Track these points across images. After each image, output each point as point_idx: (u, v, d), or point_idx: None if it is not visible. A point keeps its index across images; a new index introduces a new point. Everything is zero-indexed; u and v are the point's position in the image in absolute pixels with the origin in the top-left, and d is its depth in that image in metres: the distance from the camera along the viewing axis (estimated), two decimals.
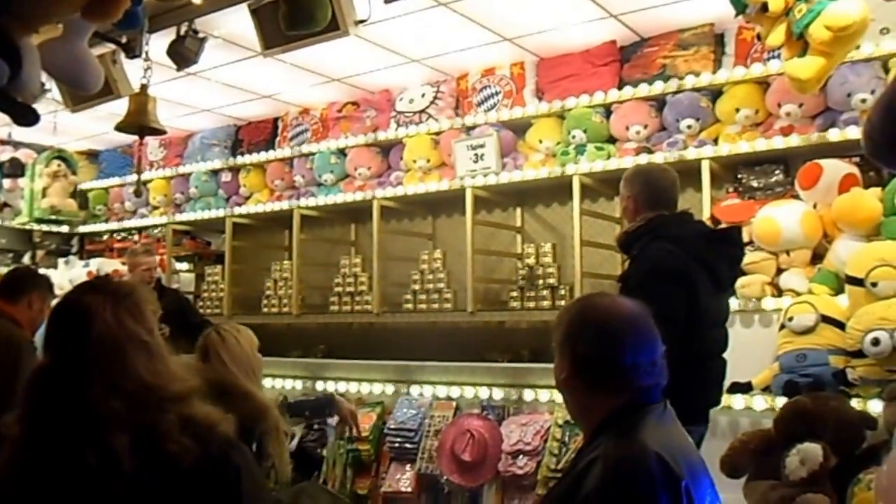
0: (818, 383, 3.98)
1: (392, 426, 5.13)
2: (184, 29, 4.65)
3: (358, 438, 4.98)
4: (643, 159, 5.11)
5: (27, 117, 2.83)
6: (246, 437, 2.76)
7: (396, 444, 5.08)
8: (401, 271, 6.32)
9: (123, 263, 7.58)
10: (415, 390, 5.31)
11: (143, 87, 4.85)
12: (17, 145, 7.98)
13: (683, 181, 5.16)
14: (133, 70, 4.95)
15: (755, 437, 3.80)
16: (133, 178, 7.77)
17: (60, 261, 8.08)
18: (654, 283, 3.08)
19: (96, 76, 3.19)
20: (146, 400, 1.63)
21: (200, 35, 4.65)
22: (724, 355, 3.54)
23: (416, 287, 6.06)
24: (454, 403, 5.10)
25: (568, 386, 1.99)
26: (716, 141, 5.00)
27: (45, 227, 8.18)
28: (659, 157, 5.06)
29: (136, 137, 7.57)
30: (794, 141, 4.67)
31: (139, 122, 4.82)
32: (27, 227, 8.06)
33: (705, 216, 4.77)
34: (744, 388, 4.24)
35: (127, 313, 1.72)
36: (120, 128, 4.88)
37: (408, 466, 5.04)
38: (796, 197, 4.62)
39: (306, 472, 5.51)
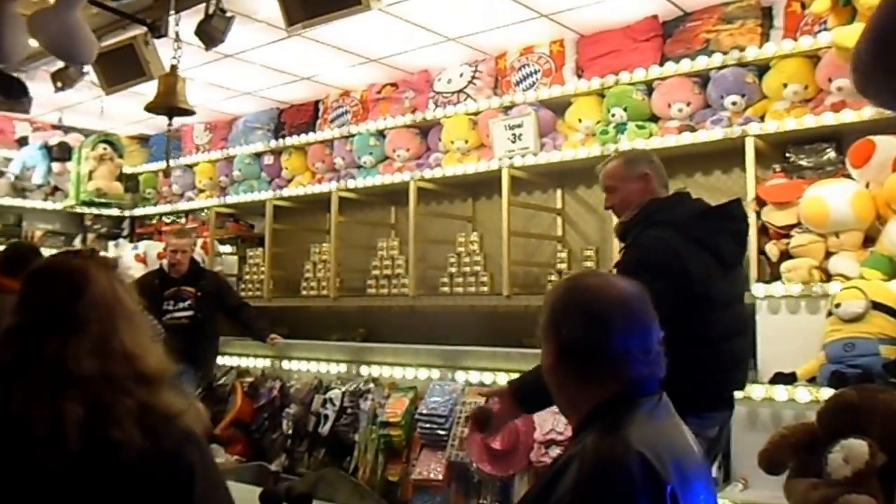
0: (867, 374, 3.73)
1: (423, 412, 5.02)
2: (211, 8, 4.58)
3: None
4: (686, 138, 4.91)
5: (14, 90, 2.77)
6: None
7: (427, 431, 4.97)
8: (439, 254, 6.21)
9: None
10: (447, 375, 5.20)
11: (173, 68, 4.81)
12: (66, 130, 8.10)
13: (728, 160, 5.05)
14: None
15: (797, 432, 3.55)
16: (181, 161, 7.89)
17: (111, 244, 8.18)
18: (642, 275, 2.88)
19: (89, 48, 3.12)
20: (119, 370, 1.58)
21: (228, 14, 4.57)
22: (745, 335, 3.35)
23: (453, 270, 5.94)
24: (487, 390, 4.96)
25: (553, 374, 1.83)
26: (762, 118, 4.75)
27: (94, 211, 8.29)
28: (703, 135, 4.86)
29: (184, 120, 7.75)
30: (846, 117, 4.38)
31: (168, 103, 4.79)
32: (77, 210, 8.16)
33: (750, 197, 4.56)
34: (787, 378, 4.03)
35: (119, 282, 1.73)
36: (149, 108, 4.86)
37: (439, 453, 4.92)
38: (848, 176, 4.36)
39: (338, 456, 5.50)
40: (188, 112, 4.90)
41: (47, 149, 7.86)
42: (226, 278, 6.92)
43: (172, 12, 4.56)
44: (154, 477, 1.53)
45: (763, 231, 4.53)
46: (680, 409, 2.88)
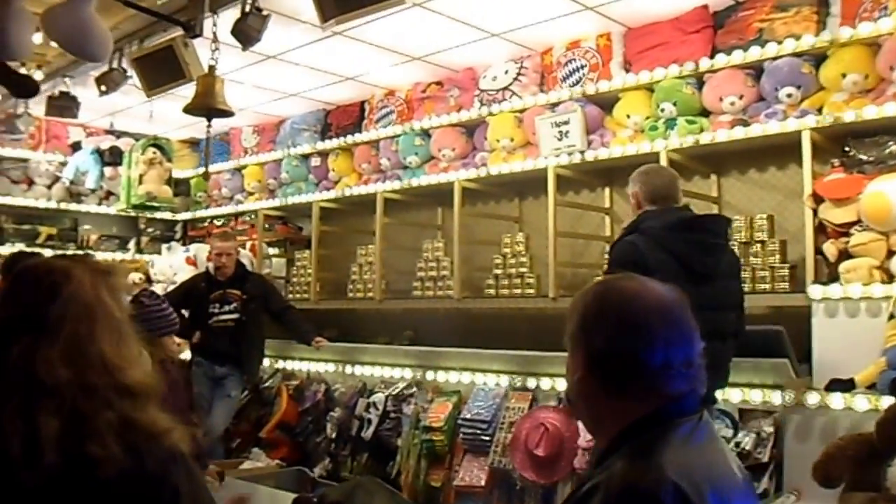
0: None
1: (466, 417, 4.90)
2: (247, 6, 4.53)
3: None
4: (739, 133, 4.70)
5: (26, 88, 2.73)
6: None
7: (470, 436, 4.85)
8: (485, 255, 6.08)
9: None
10: (491, 380, 5.07)
11: (211, 69, 4.78)
12: (118, 134, 8.19)
13: (783, 155, 4.82)
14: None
15: (854, 443, 3.33)
16: (229, 164, 7.92)
17: (163, 246, 8.24)
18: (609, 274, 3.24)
19: (103, 45, 3.06)
20: (97, 380, 1.47)
21: (264, 13, 4.52)
22: (724, 341, 3.39)
23: (499, 271, 5.80)
24: (530, 395, 4.83)
25: (581, 389, 1.61)
26: (819, 111, 4.50)
27: (147, 214, 8.38)
28: (756, 130, 4.64)
29: (232, 124, 7.78)
30: None
31: (206, 104, 4.76)
32: (131, 214, 8.25)
33: (806, 192, 4.34)
34: (845, 385, 3.80)
35: (105, 286, 1.60)
36: (188, 110, 4.83)
37: (481, 459, 4.80)
38: None
39: (381, 461, 5.41)
40: (227, 113, 4.87)
41: (99, 153, 7.95)
42: (271, 281, 6.90)
43: (208, 12, 4.52)
44: (135, 499, 1.44)
45: (820, 229, 4.30)
46: None
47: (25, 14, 2.76)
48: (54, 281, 1.54)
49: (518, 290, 5.66)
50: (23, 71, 5.70)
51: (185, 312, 5.97)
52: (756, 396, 3.97)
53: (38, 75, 5.85)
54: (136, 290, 7.56)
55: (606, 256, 3.72)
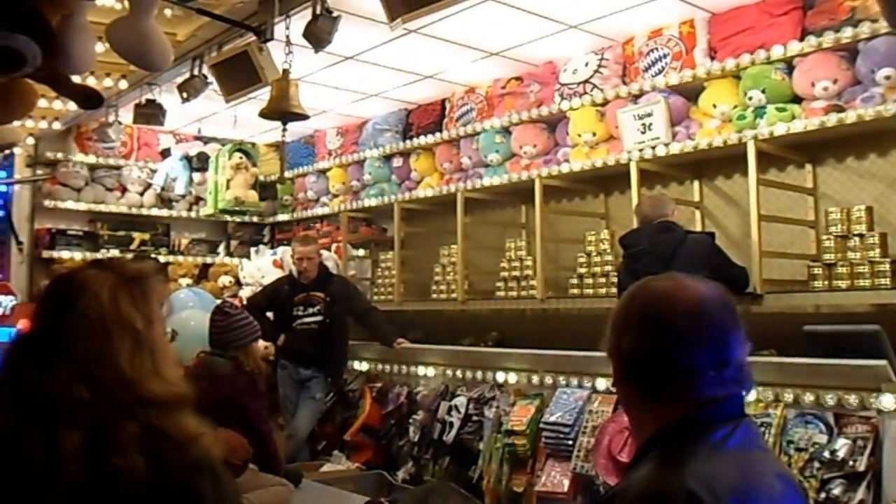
0: None
1: (548, 420, 4.76)
2: (318, 9, 4.50)
3: None
4: (833, 119, 4.43)
5: (91, 101, 2.75)
6: None
7: (552, 440, 4.70)
8: (570, 254, 5.93)
9: None
10: (574, 382, 4.91)
11: (285, 72, 4.78)
12: (206, 140, 8.35)
13: (884, 142, 4.59)
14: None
15: None
16: (314, 167, 7.97)
17: (252, 250, 8.34)
18: None
19: (163, 54, 3.08)
20: (116, 395, 1.43)
21: (334, 14, 4.49)
22: None
23: (583, 270, 5.64)
24: (615, 397, 4.65)
25: (620, 395, 1.61)
26: None
27: (236, 219, 8.52)
28: (852, 115, 4.37)
29: (317, 127, 7.82)
30: None
31: (281, 108, 4.77)
32: (220, 218, 8.40)
33: None
34: None
35: (127, 295, 1.54)
36: (263, 114, 4.85)
37: (564, 464, 4.64)
38: None
39: (463, 464, 5.31)
40: (302, 116, 4.86)
41: (188, 159, 8.11)
42: (354, 283, 6.89)
43: (279, 16, 4.52)
44: None
45: None
46: None
47: (88, 28, 2.79)
48: (67, 297, 1.51)
49: (602, 290, 5.49)
50: (107, 81, 5.86)
51: (270, 315, 6.02)
52: (852, 400, 3.71)
53: (122, 84, 5.99)
54: (226, 293, 7.76)
55: None
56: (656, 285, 1.59)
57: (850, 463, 3.53)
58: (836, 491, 3.51)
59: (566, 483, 4.59)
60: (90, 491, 1.36)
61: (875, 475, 3.55)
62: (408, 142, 7.12)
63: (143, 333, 1.52)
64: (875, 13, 4.36)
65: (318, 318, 6.01)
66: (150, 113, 6.31)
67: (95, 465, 1.37)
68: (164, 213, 8.34)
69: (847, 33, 4.44)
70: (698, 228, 5.50)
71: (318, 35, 4.46)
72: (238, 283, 8.00)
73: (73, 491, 1.36)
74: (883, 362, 3.60)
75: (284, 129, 5.04)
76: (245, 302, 6.59)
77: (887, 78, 4.33)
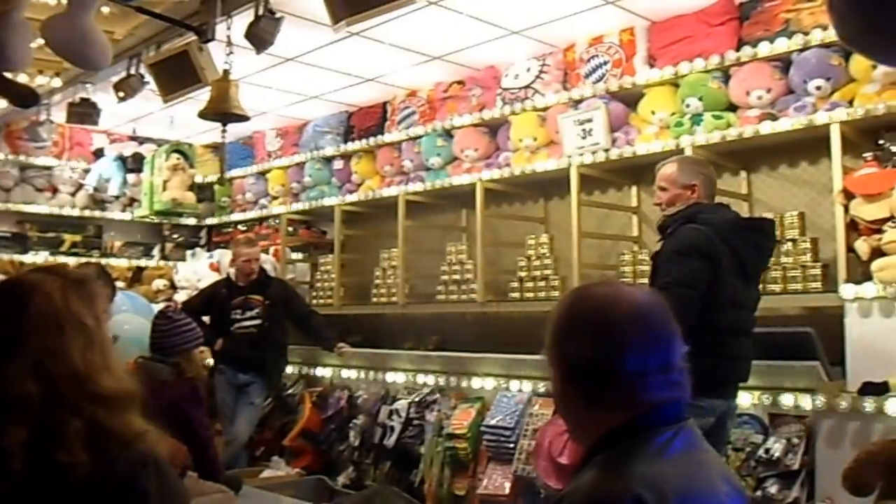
0: None
1: (489, 424, 4.79)
2: (260, 10, 4.46)
3: None
4: (766, 128, 4.54)
5: (26, 100, 2.68)
6: None
7: (493, 444, 4.74)
8: (510, 258, 5.96)
9: None
10: (514, 385, 4.95)
11: (225, 73, 4.72)
12: (141, 140, 8.19)
13: (814, 150, 4.66)
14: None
15: (886, 449, 3.16)
16: (254, 168, 7.89)
17: (188, 253, 8.22)
18: (680, 257, 3.36)
19: (102, 53, 3.01)
20: (66, 391, 1.48)
21: (277, 15, 4.45)
22: (749, 338, 3.53)
23: (523, 274, 5.69)
24: None
25: (561, 399, 1.60)
26: (851, 103, 4.34)
27: (171, 220, 8.37)
28: (785, 124, 4.48)
29: (256, 128, 7.73)
30: None
31: (221, 109, 4.71)
32: (155, 220, 8.25)
33: (836, 188, 4.17)
34: (878, 388, 3.64)
35: (76, 296, 1.61)
36: (202, 115, 4.78)
37: (505, 467, 4.69)
38: None
39: (404, 469, 5.31)
40: (242, 118, 4.80)
41: (122, 160, 7.95)
42: (293, 286, 6.83)
43: (221, 16, 4.46)
44: (103, 502, 1.45)
45: (852, 226, 4.13)
46: None
47: (24, 25, 2.71)
48: (21, 297, 1.56)
49: (543, 293, 5.54)
50: (40, 79, 5.71)
51: (206, 319, 5.92)
52: (786, 401, 3.82)
53: (56, 82, 5.85)
54: (160, 298, 7.62)
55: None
56: (598, 291, 1.62)
57: (785, 462, 3.64)
58: (772, 489, 3.62)
59: (507, 486, 4.65)
60: (34, 486, 1.40)
61: (809, 473, 3.67)
62: (349, 144, 7.07)
63: (93, 331, 1.58)
64: (808, 25, 4.49)
65: (257, 321, 5.94)
66: (84, 112, 6.17)
67: (39, 461, 1.41)
68: (97, 214, 8.14)
69: (781, 44, 4.56)
70: (635, 234, 5.60)
71: (261, 36, 4.42)
72: (173, 287, 7.86)
73: (17, 486, 1.40)
74: (815, 363, 3.72)
75: (224, 130, 4.98)
76: (181, 306, 6.47)
77: (818, 88, 4.44)
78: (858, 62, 4.31)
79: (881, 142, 4.28)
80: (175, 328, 4.08)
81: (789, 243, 4.51)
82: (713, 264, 3.33)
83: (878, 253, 3.96)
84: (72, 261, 7.43)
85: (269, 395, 6.14)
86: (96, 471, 1.42)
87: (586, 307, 1.57)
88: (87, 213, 8.07)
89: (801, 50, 4.48)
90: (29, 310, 1.52)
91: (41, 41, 3.25)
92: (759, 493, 3.72)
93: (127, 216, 8.25)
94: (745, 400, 3.93)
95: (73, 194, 8.05)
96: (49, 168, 7.97)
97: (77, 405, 1.46)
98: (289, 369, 6.44)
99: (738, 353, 3.45)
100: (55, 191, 8.00)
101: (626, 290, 1.61)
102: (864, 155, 4.31)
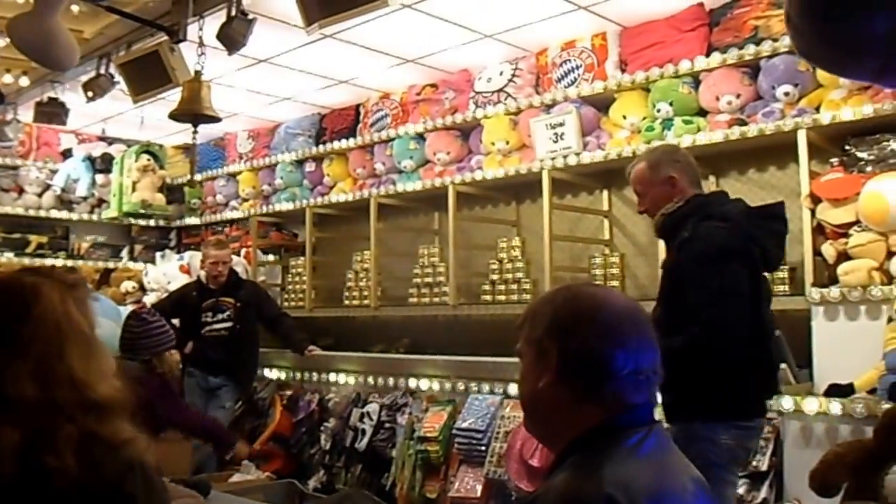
0: None
1: (461, 426, 4.79)
2: (233, 11, 4.44)
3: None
4: (735, 132, 4.59)
5: None
6: None
7: (465, 446, 4.74)
8: (482, 260, 5.98)
9: None
10: (486, 388, 4.96)
11: (197, 74, 4.70)
12: (111, 141, 8.11)
13: (782, 155, 4.72)
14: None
15: (853, 450, 3.21)
16: (224, 170, 7.84)
17: (157, 254, 8.14)
18: (716, 262, 2.96)
19: (69, 53, 2.98)
20: (63, 396, 1.49)
21: (250, 17, 4.44)
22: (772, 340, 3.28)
23: (495, 277, 5.71)
24: None
25: (547, 396, 1.54)
26: (818, 109, 4.40)
27: (141, 222, 8.29)
28: (754, 129, 4.53)
29: (227, 129, 7.69)
30: None
31: (192, 110, 4.69)
32: (124, 221, 8.17)
33: (803, 192, 4.23)
34: (844, 390, 3.70)
35: (73, 301, 1.61)
36: (173, 116, 4.75)
37: (477, 470, 4.69)
38: None
39: (376, 472, 5.30)
40: (213, 119, 4.79)
41: (91, 160, 7.87)
42: (265, 289, 6.79)
43: (192, 17, 4.44)
44: None
45: (819, 230, 4.19)
46: (725, 418, 2.81)
47: None
48: (24, 300, 1.55)
49: (514, 296, 5.56)
50: (7, 78, 5.65)
51: (175, 322, 5.86)
52: None
53: (23, 81, 5.78)
54: (129, 300, 7.54)
55: (667, 253, 3.32)
56: (594, 291, 1.63)
57: (754, 463, 3.67)
58: (741, 490, 3.64)
59: (479, 488, 4.65)
60: (23, 488, 1.41)
61: (777, 474, 3.71)
62: (321, 146, 7.04)
63: (90, 337, 1.60)
64: (776, 32, 4.54)
65: (228, 324, 5.89)
66: (52, 111, 6.11)
67: (29, 462, 1.42)
68: (64, 215, 8.04)
69: (750, 50, 4.61)
70: (606, 237, 5.64)
71: (233, 37, 4.42)
72: (142, 289, 7.79)
73: (7, 485, 1.40)
74: (783, 366, 3.75)
75: (195, 132, 4.94)
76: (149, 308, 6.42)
77: (786, 94, 4.50)
78: None
79: (847, 147, 4.34)
80: (148, 330, 4.05)
81: None
82: (749, 264, 3.02)
83: (844, 256, 4.03)
84: (37, 262, 7.34)
85: (241, 399, 6.10)
86: (83, 475, 1.43)
87: (588, 304, 1.56)
88: (53, 213, 7.97)
89: (770, 56, 4.54)
90: (32, 313, 1.53)
91: (6, 40, 3.20)
92: None
93: (95, 217, 8.15)
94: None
95: (39, 195, 7.94)
96: (15, 168, 7.87)
97: (71, 413, 1.47)
98: (270, 373, 6.39)
99: (770, 363, 3.18)
100: (21, 191, 7.89)
101: (614, 291, 1.65)
102: (831, 160, 4.38)
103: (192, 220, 8.42)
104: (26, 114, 6.64)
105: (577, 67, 5.41)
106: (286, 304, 6.99)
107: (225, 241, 6.60)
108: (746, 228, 3.06)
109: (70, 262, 7.89)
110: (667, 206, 3.19)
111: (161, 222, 8.48)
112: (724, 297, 2.89)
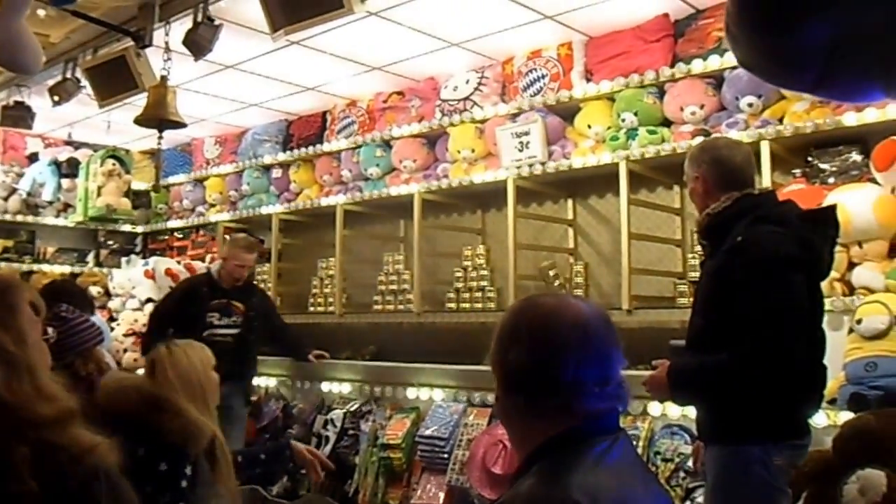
0: (890, 397, 3.41)
1: (424, 434, 4.79)
2: (199, 16, 4.43)
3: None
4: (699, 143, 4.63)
5: None
6: (178, 458, 2.49)
7: (427, 454, 4.74)
8: (447, 268, 5.99)
9: (179, 262, 7.52)
10: (449, 395, 4.96)
11: (163, 79, 4.68)
12: (77, 145, 8.04)
13: None
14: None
15: (811, 460, 3.21)
16: (191, 175, 7.79)
17: (123, 260, 8.08)
18: (779, 272, 2.68)
19: (34, 57, 2.94)
20: (3, 422, 1.37)
21: (216, 22, 4.42)
22: None
23: (460, 285, 5.72)
24: (489, 411, 4.72)
25: (500, 409, 1.64)
26: (781, 120, 4.45)
27: (107, 227, 8.22)
28: None
29: (194, 135, 7.65)
30: (869, 116, 4.06)
31: (158, 115, 4.67)
32: (90, 226, 8.09)
33: None
34: None
35: None
36: (139, 121, 4.72)
37: (439, 477, 4.69)
38: (874, 181, 4.07)
39: (339, 479, 5.26)
40: (179, 124, 4.76)
41: (57, 165, 7.79)
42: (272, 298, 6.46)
43: (158, 22, 4.42)
44: None
45: None
46: (781, 438, 2.68)
47: None
48: None
49: (479, 304, 5.57)
50: None
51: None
52: None
53: None
54: (95, 304, 7.45)
55: (706, 255, 3.10)
56: (542, 302, 1.64)
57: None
58: (700, 499, 3.66)
59: (441, 496, 4.65)
60: None
61: None
62: (288, 153, 7.02)
63: (15, 354, 1.44)
64: None
65: (235, 331, 5.47)
66: (18, 115, 6.06)
67: None
68: (30, 219, 7.92)
69: (714, 62, 4.66)
70: (570, 246, 5.66)
71: (199, 43, 4.40)
72: (107, 294, 7.72)
73: None
74: None
75: (160, 137, 4.91)
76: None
77: (750, 105, 4.55)
78: None
79: (810, 158, 4.41)
80: (71, 328, 3.81)
81: None
82: (808, 273, 2.77)
83: None
84: (2, 266, 7.25)
85: (248, 403, 5.82)
86: (47, 494, 1.35)
87: (530, 316, 1.58)
88: (19, 217, 7.86)
89: (734, 68, 4.58)
90: None
91: None
92: (687, 503, 3.78)
93: (61, 222, 8.05)
94: (675, 411, 3.99)
95: (5, 199, 7.83)
96: None
97: (18, 433, 1.38)
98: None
99: (823, 379, 2.90)
100: None
101: (571, 302, 1.62)
102: (794, 171, 4.45)
103: (158, 226, 8.35)
104: None
105: (543, 76, 5.44)
106: None
107: (255, 242, 6.05)
108: (802, 234, 2.80)
109: (35, 267, 7.78)
110: (713, 205, 2.95)
111: (127, 227, 8.40)
112: (784, 313, 2.63)
